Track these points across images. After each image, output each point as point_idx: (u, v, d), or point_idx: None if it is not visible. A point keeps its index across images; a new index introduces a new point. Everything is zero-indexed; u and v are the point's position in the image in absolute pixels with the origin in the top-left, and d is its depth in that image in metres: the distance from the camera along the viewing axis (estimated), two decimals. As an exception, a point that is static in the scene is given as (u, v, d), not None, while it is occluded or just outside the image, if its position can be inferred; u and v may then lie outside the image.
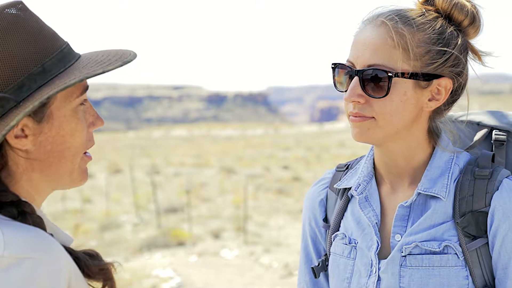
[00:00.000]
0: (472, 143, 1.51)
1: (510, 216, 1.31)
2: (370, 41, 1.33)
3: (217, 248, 11.45)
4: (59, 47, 1.18)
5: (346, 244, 1.49)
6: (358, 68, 1.33)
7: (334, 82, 1.40)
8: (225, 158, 36.19)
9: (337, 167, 1.61)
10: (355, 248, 1.47)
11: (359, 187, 1.49)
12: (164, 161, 35.28)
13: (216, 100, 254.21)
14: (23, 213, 1.11)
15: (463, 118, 1.55)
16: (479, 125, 1.53)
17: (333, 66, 1.40)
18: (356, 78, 1.33)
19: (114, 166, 30.94)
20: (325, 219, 1.58)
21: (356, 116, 1.35)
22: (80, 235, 13.51)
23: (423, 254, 1.36)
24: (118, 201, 19.12)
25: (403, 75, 1.30)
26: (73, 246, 1.25)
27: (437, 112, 1.41)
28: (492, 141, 1.48)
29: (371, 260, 1.42)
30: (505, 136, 1.46)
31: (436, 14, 1.37)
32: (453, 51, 1.34)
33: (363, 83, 1.32)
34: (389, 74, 1.29)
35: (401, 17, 1.34)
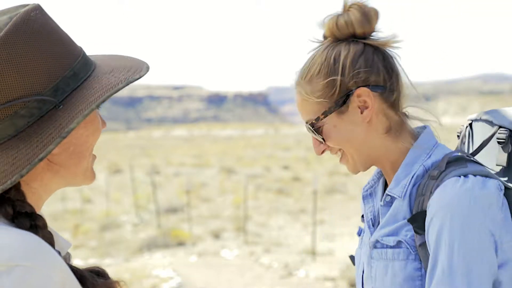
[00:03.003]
0: (481, 142, 1.54)
1: (434, 210, 1.34)
2: (297, 105, 1.54)
3: (217, 248, 11.45)
4: (80, 50, 1.20)
5: (359, 235, 1.62)
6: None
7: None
8: (225, 158, 36.19)
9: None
10: (362, 239, 1.59)
11: (367, 186, 1.60)
12: (164, 161, 35.29)
13: (216, 100, 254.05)
14: (35, 226, 1.10)
15: (484, 117, 1.58)
16: (492, 124, 1.54)
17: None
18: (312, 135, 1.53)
19: (114, 166, 30.94)
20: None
21: (338, 156, 1.54)
22: (80, 235, 13.52)
23: (382, 248, 1.46)
24: (118, 201, 19.12)
25: (319, 118, 1.47)
26: (72, 247, 1.24)
27: (392, 106, 1.48)
28: (497, 140, 1.50)
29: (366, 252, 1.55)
30: (505, 135, 1.48)
31: (326, 45, 1.49)
32: (345, 67, 1.44)
33: (315, 135, 1.51)
34: (312, 125, 1.48)
35: (300, 74, 1.51)
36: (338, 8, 1.52)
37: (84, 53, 1.20)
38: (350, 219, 14.61)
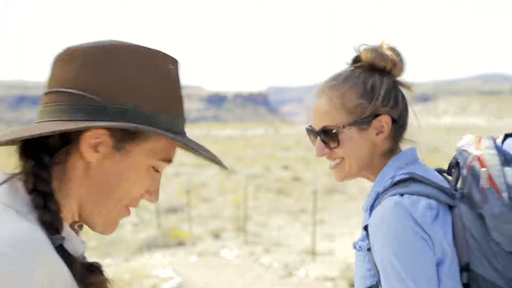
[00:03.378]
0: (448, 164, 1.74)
1: (374, 226, 1.58)
2: (318, 109, 1.75)
3: (217, 248, 11.45)
4: (177, 114, 1.19)
5: None
6: (316, 130, 1.76)
7: (310, 140, 1.80)
8: (225, 158, 36.11)
9: None
10: None
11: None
12: (164, 161, 35.18)
13: (216, 100, 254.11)
14: (46, 207, 1.09)
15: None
16: None
17: (305, 129, 1.82)
18: (318, 138, 1.74)
19: (114, 166, 30.81)
20: None
21: (332, 163, 1.76)
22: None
23: (356, 250, 1.71)
24: (118, 201, 19.11)
25: (344, 127, 1.70)
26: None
27: (397, 135, 1.75)
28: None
29: None
30: (455, 159, 1.66)
31: (361, 70, 1.74)
32: (379, 96, 1.70)
33: (323, 140, 1.73)
34: (333, 131, 1.70)
35: (333, 86, 1.73)
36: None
37: (180, 117, 1.20)
38: (350, 219, 14.61)
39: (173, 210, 16.51)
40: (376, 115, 1.70)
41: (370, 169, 1.75)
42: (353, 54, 1.78)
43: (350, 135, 1.70)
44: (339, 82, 1.73)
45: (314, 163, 29.85)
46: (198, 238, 12.54)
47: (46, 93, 1.16)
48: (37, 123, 1.15)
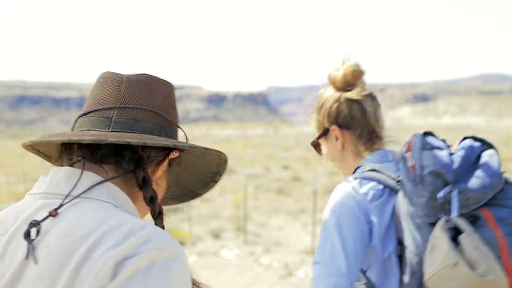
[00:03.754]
0: None
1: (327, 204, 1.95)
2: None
3: (217, 248, 11.45)
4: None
5: None
6: None
7: None
8: (225, 158, 36.04)
9: None
10: None
11: None
12: (164, 161, 35.18)
13: (216, 100, 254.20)
14: (160, 214, 1.22)
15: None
16: None
17: None
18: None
19: (114, 166, 30.76)
20: None
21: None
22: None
23: None
24: (118, 201, 19.09)
25: (314, 140, 2.16)
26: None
27: (359, 138, 2.06)
28: None
29: None
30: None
31: (329, 90, 2.11)
32: (325, 112, 2.07)
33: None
34: (313, 140, 2.16)
35: (310, 107, 2.16)
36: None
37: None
38: (350, 219, 14.58)
39: (173, 210, 16.51)
40: (328, 128, 2.09)
41: (348, 167, 2.09)
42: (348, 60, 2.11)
43: (323, 144, 2.14)
44: (312, 103, 2.16)
45: (314, 163, 29.85)
46: (198, 238, 12.55)
47: (131, 108, 1.22)
48: (117, 131, 1.19)
